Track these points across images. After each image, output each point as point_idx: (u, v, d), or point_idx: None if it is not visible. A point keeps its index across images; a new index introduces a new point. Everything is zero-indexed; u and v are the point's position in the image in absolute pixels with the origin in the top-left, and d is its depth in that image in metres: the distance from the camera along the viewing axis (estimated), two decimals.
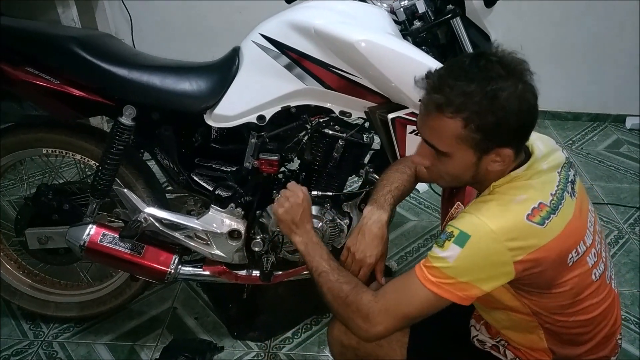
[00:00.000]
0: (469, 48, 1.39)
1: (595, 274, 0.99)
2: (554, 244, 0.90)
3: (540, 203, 0.91)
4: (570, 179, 1.00)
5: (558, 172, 0.98)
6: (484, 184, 0.99)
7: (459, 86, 0.87)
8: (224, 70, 1.37)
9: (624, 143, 2.95)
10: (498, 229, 0.88)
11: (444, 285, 0.90)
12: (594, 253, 0.99)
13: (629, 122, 3.10)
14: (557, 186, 0.96)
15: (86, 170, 1.62)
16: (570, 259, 0.94)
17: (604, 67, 2.94)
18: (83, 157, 1.51)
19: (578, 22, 2.83)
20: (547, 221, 0.90)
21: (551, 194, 0.94)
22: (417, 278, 0.93)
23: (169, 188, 1.66)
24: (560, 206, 0.93)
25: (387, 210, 1.15)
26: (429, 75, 0.92)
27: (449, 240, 0.91)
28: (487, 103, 0.86)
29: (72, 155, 1.51)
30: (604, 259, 1.03)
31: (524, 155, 0.98)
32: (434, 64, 1.26)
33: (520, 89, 0.87)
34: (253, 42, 1.34)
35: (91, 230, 1.42)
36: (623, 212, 2.35)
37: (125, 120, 1.35)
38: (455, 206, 1.47)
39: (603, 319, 1.03)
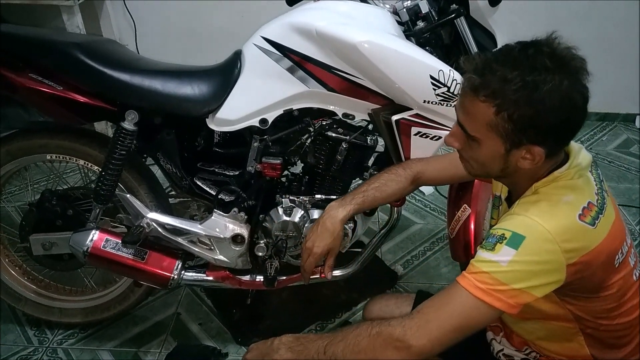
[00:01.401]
0: (474, 48, 1.37)
1: (635, 274, 0.96)
2: (604, 244, 0.87)
3: (589, 203, 0.87)
4: (601, 178, 0.96)
5: (590, 172, 0.95)
6: (515, 181, 0.95)
7: (501, 72, 0.81)
8: (226, 74, 1.36)
9: (634, 143, 2.90)
10: (553, 230, 0.83)
11: (494, 293, 0.82)
12: (634, 253, 0.97)
13: (639, 121, 3.06)
14: (596, 185, 0.93)
15: (90, 175, 1.61)
16: (617, 260, 0.91)
17: (612, 66, 2.90)
18: (86, 162, 1.50)
19: (584, 20, 2.79)
20: (596, 221, 0.86)
21: (595, 194, 0.90)
22: (461, 287, 0.84)
23: (173, 193, 1.65)
24: (605, 205, 0.90)
25: (347, 209, 1.18)
26: (476, 56, 0.87)
27: (501, 243, 0.84)
28: (525, 93, 0.80)
29: (76, 160, 1.51)
30: (638, 258, 1.00)
31: (563, 154, 0.93)
32: (439, 65, 1.25)
33: (565, 85, 0.80)
34: (255, 45, 1.33)
35: (94, 235, 1.41)
36: (635, 213, 2.31)
37: (128, 125, 1.35)
38: (462, 209, 1.46)
39: None
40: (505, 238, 0.85)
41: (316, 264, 1.21)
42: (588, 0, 2.75)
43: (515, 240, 0.84)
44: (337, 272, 1.54)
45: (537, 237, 0.83)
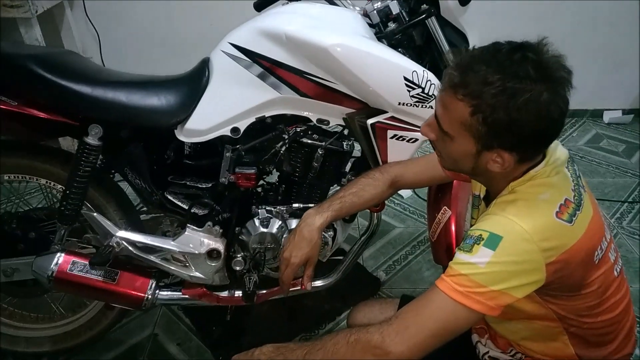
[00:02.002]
0: (446, 48, 1.35)
1: (616, 269, 0.96)
2: (583, 241, 0.85)
3: (566, 199, 0.86)
4: (577, 174, 0.95)
5: (566, 168, 0.93)
6: (490, 180, 0.94)
7: (483, 72, 0.80)
8: (193, 83, 1.31)
9: (603, 137, 2.96)
10: (530, 229, 0.81)
11: (473, 295, 0.81)
12: (613, 248, 0.96)
13: (607, 117, 3.12)
14: (573, 181, 0.91)
15: (54, 195, 1.53)
16: (597, 256, 0.90)
17: (579, 63, 2.92)
18: (48, 181, 1.43)
19: (553, 18, 2.84)
20: (574, 218, 0.85)
21: (572, 190, 0.89)
22: (439, 290, 0.83)
23: (144, 209, 1.59)
24: (582, 202, 0.89)
25: (324, 216, 1.15)
26: (462, 51, 0.86)
27: (478, 244, 0.83)
28: (503, 99, 0.79)
29: (37, 180, 1.43)
30: (618, 253, 0.99)
31: (540, 155, 0.91)
32: (412, 66, 1.23)
33: (545, 98, 0.78)
34: (223, 51, 1.28)
35: (59, 258, 1.33)
36: (609, 206, 2.34)
37: (91, 140, 1.28)
38: (442, 211, 1.44)
39: (625, 314, 0.99)
40: (483, 239, 0.84)
41: (295, 275, 1.17)
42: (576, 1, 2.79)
43: (493, 241, 0.82)
44: (318, 282, 1.50)
45: (514, 237, 0.82)
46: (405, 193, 2.44)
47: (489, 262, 0.81)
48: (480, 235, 0.84)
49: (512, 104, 0.78)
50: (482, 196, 1.07)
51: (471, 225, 1.16)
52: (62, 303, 1.62)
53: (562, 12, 2.83)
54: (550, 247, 0.82)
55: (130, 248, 1.35)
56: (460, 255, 0.85)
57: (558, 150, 0.94)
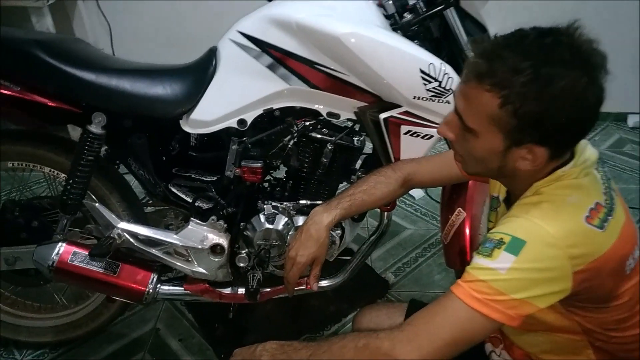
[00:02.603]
0: (465, 40, 1.29)
1: None
2: (614, 249, 0.78)
3: (597, 203, 0.79)
4: (608, 176, 0.88)
5: (596, 169, 0.86)
6: (514, 180, 0.87)
7: (512, 59, 0.72)
8: (200, 72, 1.27)
9: (627, 142, 2.86)
10: (557, 233, 0.75)
11: (492, 303, 0.75)
12: None
13: (631, 120, 3.01)
14: (603, 184, 0.84)
15: (56, 184, 1.50)
16: (628, 265, 0.83)
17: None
18: (52, 170, 1.41)
19: (574, 17, 2.74)
20: (605, 224, 0.78)
21: (603, 193, 0.82)
22: (455, 297, 0.77)
23: (149, 201, 1.55)
24: (614, 206, 0.82)
25: (332, 214, 1.09)
26: (485, 39, 0.79)
27: (499, 248, 0.76)
28: (536, 87, 0.72)
29: (40, 168, 1.41)
30: None
31: (569, 153, 0.84)
32: (429, 58, 1.17)
33: (583, 83, 0.71)
34: (231, 40, 1.24)
35: (60, 248, 1.31)
36: (631, 214, 2.24)
37: (95, 128, 1.25)
38: (456, 212, 1.38)
39: None
40: (504, 243, 0.77)
41: (301, 275, 1.12)
42: (579, 0, 2.70)
43: (515, 246, 0.76)
44: (324, 282, 1.45)
45: (539, 241, 0.75)
46: (417, 193, 2.37)
47: (510, 268, 0.75)
48: (502, 239, 0.78)
49: (546, 92, 0.71)
50: (502, 198, 1.00)
51: (488, 229, 1.11)
52: (65, 294, 1.60)
53: (584, 10, 2.73)
54: (578, 254, 0.76)
55: (131, 240, 1.32)
56: (479, 260, 0.79)
57: (587, 150, 0.87)
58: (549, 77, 0.71)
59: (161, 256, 1.34)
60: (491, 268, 0.76)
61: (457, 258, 1.38)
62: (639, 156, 2.70)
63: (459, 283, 0.79)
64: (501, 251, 0.76)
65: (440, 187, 1.49)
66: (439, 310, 0.78)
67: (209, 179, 1.37)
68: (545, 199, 0.80)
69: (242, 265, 1.36)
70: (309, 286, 1.15)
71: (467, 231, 1.37)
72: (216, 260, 1.35)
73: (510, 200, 0.93)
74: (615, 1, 2.71)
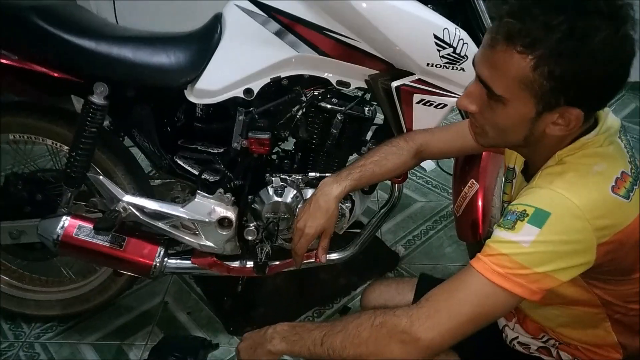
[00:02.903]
0: (482, 6, 1.23)
1: None
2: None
3: (622, 172, 0.76)
4: (631, 145, 0.84)
5: (619, 138, 0.82)
6: (535, 150, 0.82)
7: (543, 16, 0.67)
8: (204, 40, 1.22)
9: None
10: (583, 205, 0.71)
11: (514, 278, 0.72)
12: None
13: None
14: (628, 152, 0.80)
15: (60, 156, 1.47)
16: None
17: None
18: (55, 142, 1.37)
19: None
20: (631, 194, 0.75)
21: (628, 162, 0.78)
22: (475, 272, 0.74)
23: (155, 174, 1.53)
24: (639, 175, 0.78)
25: (342, 185, 1.06)
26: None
27: (522, 221, 0.73)
28: (572, 44, 0.66)
29: (43, 140, 1.37)
30: None
31: (592, 119, 0.80)
32: (443, 23, 1.12)
33: (621, 35, 0.67)
34: (237, 6, 1.19)
35: (65, 222, 1.29)
36: None
37: (97, 99, 1.21)
38: (469, 184, 1.34)
39: None
40: (527, 215, 0.73)
41: (309, 246, 1.09)
42: None
43: (539, 217, 0.72)
44: (334, 255, 1.43)
45: (564, 213, 0.72)
46: (428, 165, 2.32)
47: (534, 241, 0.72)
48: (525, 210, 0.74)
49: (584, 48, 0.67)
50: (518, 169, 0.96)
51: (503, 202, 1.07)
52: (72, 267, 1.59)
53: None
54: (604, 225, 0.72)
55: (137, 214, 1.30)
56: (500, 233, 0.75)
57: (610, 118, 0.82)
58: (586, 31, 0.66)
59: (168, 230, 1.32)
60: (514, 241, 0.73)
61: (469, 231, 1.35)
62: None
63: (479, 257, 0.75)
64: (524, 223, 0.73)
65: (453, 159, 1.45)
66: (459, 285, 0.75)
67: (216, 151, 1.34)
68: (569, 168, 0.76)
69: (250, 238, 1.33)
70: (317, 259, 1.13)
71: (480, 203, 1.33)
72: (224, 233, 1.32)
73: (528, 171, 0.89)
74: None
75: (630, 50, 0.69)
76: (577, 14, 0.67)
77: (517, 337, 0.99)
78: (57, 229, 1.27)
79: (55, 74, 1.19)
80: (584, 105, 0.72)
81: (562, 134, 0.76)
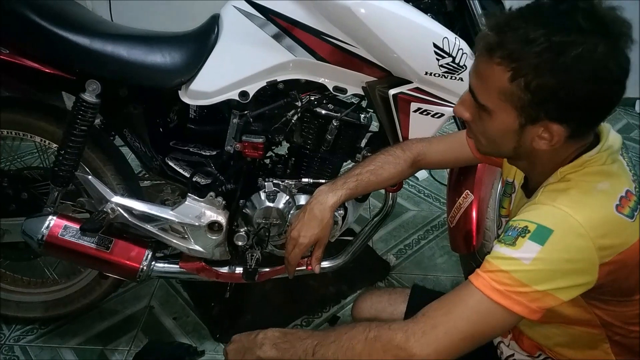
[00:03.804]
0: (480, 16, 1.23)
1: None
2: None
3: (627, 191, 0.74)
4: (633, 162, 0.83)
5: (621, 155, 0.81)
6: (533, 165, 0.82)
7: (523, 30, 0.68)
8: (201, 40, 1.20)
9: (634, 127, 2.82)
10: (586, 223, 0.70)
11: (514, 295, 0.70)
12: None
13: (639, 106, 2.96)
14: (630, 171, 0.79)
15: (48, 154, 1.44)
16: None
17: None
18: (43, 139, 1.34)
19: None
20: (636, 213, 0.74)
21: (632, 181, 0.78)
22: (474, 288, 0.73)
23: (145, 176, 1.50)
24: None
25: (337, 195, 1.04)
26: (498, 12, 0.76)
27: (524, 237, 0.72)
28: (549, 57, 0.66)
29: (31, 137, 1.34)
30: None
31: (592, 135, 0.79)
32: (443, 32, 1.11)
33: (601, 51, 0.66)
34: (235, 7, 1.18)
35: (51, 222, 1.25)
36: None
37: (88, 96, 1.18)
38: (464, 195, 1.33)
39: None
40: (529, 231, 0.72)
41: (303, 256, 1.07)
42: None
43: (541, 234, 0.71)
44: (325, 263, 1.41)
45: (567, 231, 0.71)
46: (421, 174, 2.32)
47: (535, 258, 0.70)
48: (526, 227, 0.73)
49: (559, 63, 0.66)
50: (518, 184, 0.95)
51: (501, 216, 1.06)
52: (56, 268, 1.55)
53: None
54: (607, 245, 0.71)
55: (126, 215, 1.27)
56: (500, 249, 0.74)
57: (611, 135, 0.81)
58: (562, 46, 0.66)
59: (156, 232, 1.29)
60: (514, 258, 0.71)
61: (462, 242, 1.34)
62: None
63: (478, 273, 0.74)
64: (525, 240, 0.71)
65: (446, 169, 1.44)
66: (457, 301, 0.74)
67: (208, 154, 1.32)
68: (573, 185, 0.75)
69: (240, 243, 1.31)
70: (310, 267, 1.10)
71: (474, 215, 1.32)
72: (213, 238, 1.30)
73: (528, 187, 0.88)
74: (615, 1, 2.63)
75: (615, 68, 0.68)
76: (556, 29, 0.67)
77: (512, 355, 0.98)
78: (42, 229, 1.24)
79: (47, 70, 1.16)
80: (568, 122, 0.71)
81: (548, 149, 0.75)
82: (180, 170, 1.32)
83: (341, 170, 1.36)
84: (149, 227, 1.28)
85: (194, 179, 1.30)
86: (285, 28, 1.15)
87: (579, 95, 0.68)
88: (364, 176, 1.07)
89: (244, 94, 1.20)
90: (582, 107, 0.70)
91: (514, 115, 0.73)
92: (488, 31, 0.72)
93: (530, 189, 0.86)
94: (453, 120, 1.38)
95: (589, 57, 0.66)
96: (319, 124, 1.26)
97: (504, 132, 0.76)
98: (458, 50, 1.11)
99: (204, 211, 1.28)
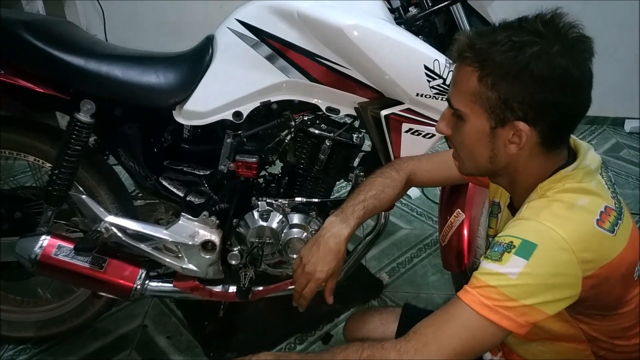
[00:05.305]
0: None
1: None
2: (625, 254, 0.76)
3: (606, 207, 0.77)
4: (612, 181, 0.85)
5: (600, 174, 0.84)
6: (514, 181, 0.84)
7: (491, 34, 0.74)
8: (195, 61, 1.22)
9: (623, 147, 2.85)
10: (569, 237, 0.72)
11: (502, 310, 0.72)
12: None
13: (628, 125, 3.00)
14: (609, 189, 0.82)
15: (41, 173, 1.44)
16: (637, 271, 0.81)
17: (602, 68, 2.80)
18: (37, 159, 1.35)
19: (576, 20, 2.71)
20: (616, 228, 0.76)
21: (611, 197, 0.80)
22: (463, 304, 0.74)
23: (139, 195, 1.50)
24: (622, 210, 0.80)
25: (350, 225, 1.02)
26: (471, 29, 0.82)
27: (509, 252, 0.74)
28: (510, 55, 0.72)
29: (25, 156, 1.35)
30: None
31: (567, 153, 0.82)
32: (434, 54, 1.13)
33: (554, 51, 0.71)
34: (229, 29, 1.19)
35: (44, 241, 1.26)
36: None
37: (83, 116, 1.20)
38: (455, 214, 1.34)
39: None
40: (514, 246, 0.74)
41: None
42: (581, 0, 2.67)
43: (526, 249, 0.73)
44: None
45: (550, 245, 0.73)
46: (414, 193, 2.34)
47: (521, 272, 0.72)
48: (511, 242, 0.74)
49: (518, 60, 0.72)
50: (503, 204, 0.97)
51: (489, 236, 1.07)
52: (49, 288, 1.54)
53: (584, 12, 2.70)
54: (590, 258, 0.73)
55: (119, 234, 1.27)
56: (487, 265, 0.75)
57: (590, 155, 0.84)
58: (521, 44, 0.72)
59: (150, 252, 1.29)
60: (501, 273, 0.73)
61: (454, 260, 1.35)
62: (638, 162, 2.69)
63: (466, 289, 0.75)
64: (511, 255, 0.73)
65: (438, 187, 1.45)
66: (447, 318, 0.75)
67: (202, 173, 1.32)
68: (555, 200, 0.77)
69: (233, 262, 1.31)
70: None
71: (466, 233, 1.34)
72: (207, 257, 1.30)
73: (514, 206, 0.90)
74: (615, 2, 2.68)
75: (574, 72, 0.72)
76: (518, 32, 0.73)
77: None
78: (36, 248, 1.24)
79: (42, 90, 1.17)
80: (535, 123, 0.75)
81: (520, 153, 0.78)
82: (174, 190, 1.33)
83: (334, 189, 1.37)
84: (142, 246, 1.29)
85: (187, 198, 1.30)
86: (279, 50, 1.16)
87: (540, 93, 0.73)
88: (369, 202, 1.06)
89: (237, 114, 1.22)
90: (545, 108, 0.74)
91: (485, 118, 0.77)
92: (462, 38, 0.77)
93: (515, 208, 0.87)
94: (445, 140, 1.40)
95: (547, 55, 0.71)
96: (312, 143, 1.27)
97: (477, 137, 0.79)
98: (449, 72, 1.13)
99: (197, 230, 1.28)
